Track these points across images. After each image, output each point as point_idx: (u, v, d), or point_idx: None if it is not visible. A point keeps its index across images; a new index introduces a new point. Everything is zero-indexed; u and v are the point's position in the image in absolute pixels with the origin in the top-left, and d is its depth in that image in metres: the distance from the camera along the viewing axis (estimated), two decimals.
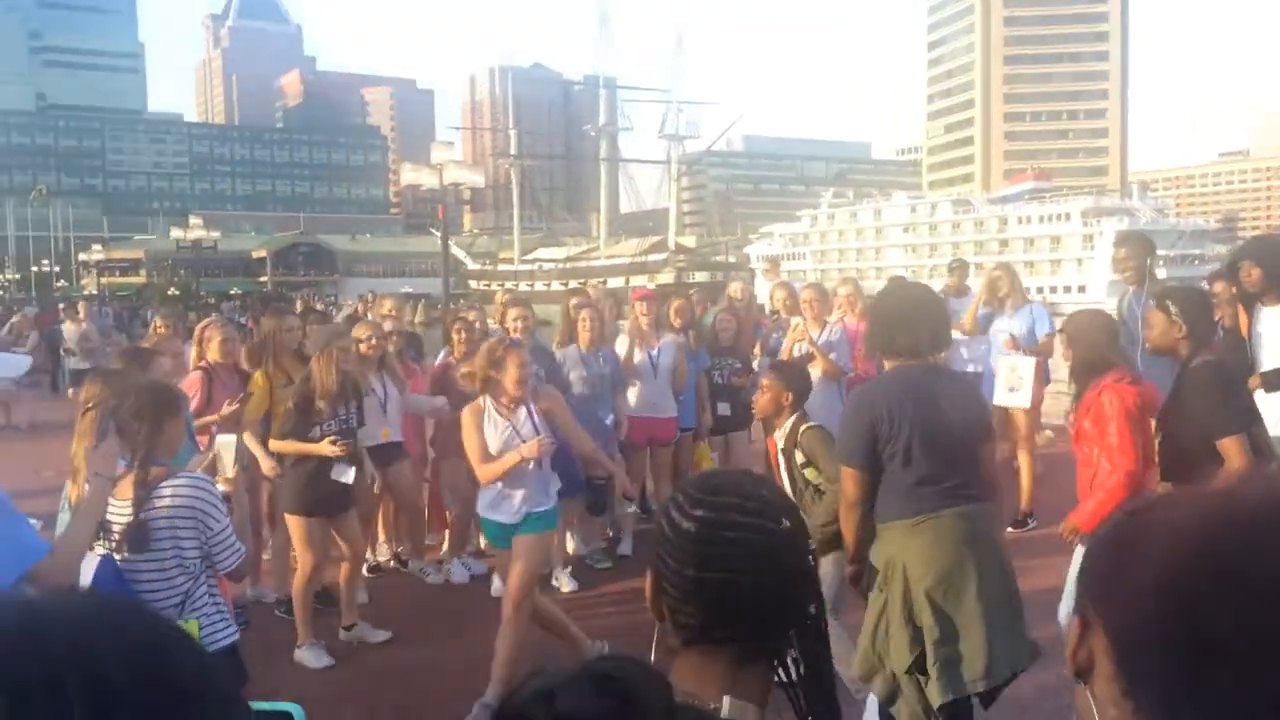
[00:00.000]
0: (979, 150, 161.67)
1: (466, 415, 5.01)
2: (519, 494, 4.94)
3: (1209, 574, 0.72)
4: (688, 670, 1.36)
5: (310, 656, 5.50)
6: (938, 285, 9.14)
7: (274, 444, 5.79)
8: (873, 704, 4.67)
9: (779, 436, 4.83)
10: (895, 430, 3.57)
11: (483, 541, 7.24)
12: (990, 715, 3.83)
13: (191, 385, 6.14)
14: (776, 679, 1.38)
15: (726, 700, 1.31)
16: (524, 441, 4.88)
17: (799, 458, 4.71)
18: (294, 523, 5.73)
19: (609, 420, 6.97)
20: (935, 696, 3.53)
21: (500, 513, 4.98)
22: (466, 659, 5.18)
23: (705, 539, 1.37)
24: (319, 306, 21.80)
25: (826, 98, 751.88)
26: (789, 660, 1.37)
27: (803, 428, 4.73)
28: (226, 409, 5.97)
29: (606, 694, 0.71)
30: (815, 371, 6.77)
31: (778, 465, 4.77)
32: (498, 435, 4.92)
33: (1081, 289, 79.67)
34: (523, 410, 4.99)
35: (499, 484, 4.93)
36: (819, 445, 4.62)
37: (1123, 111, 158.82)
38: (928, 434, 3.57)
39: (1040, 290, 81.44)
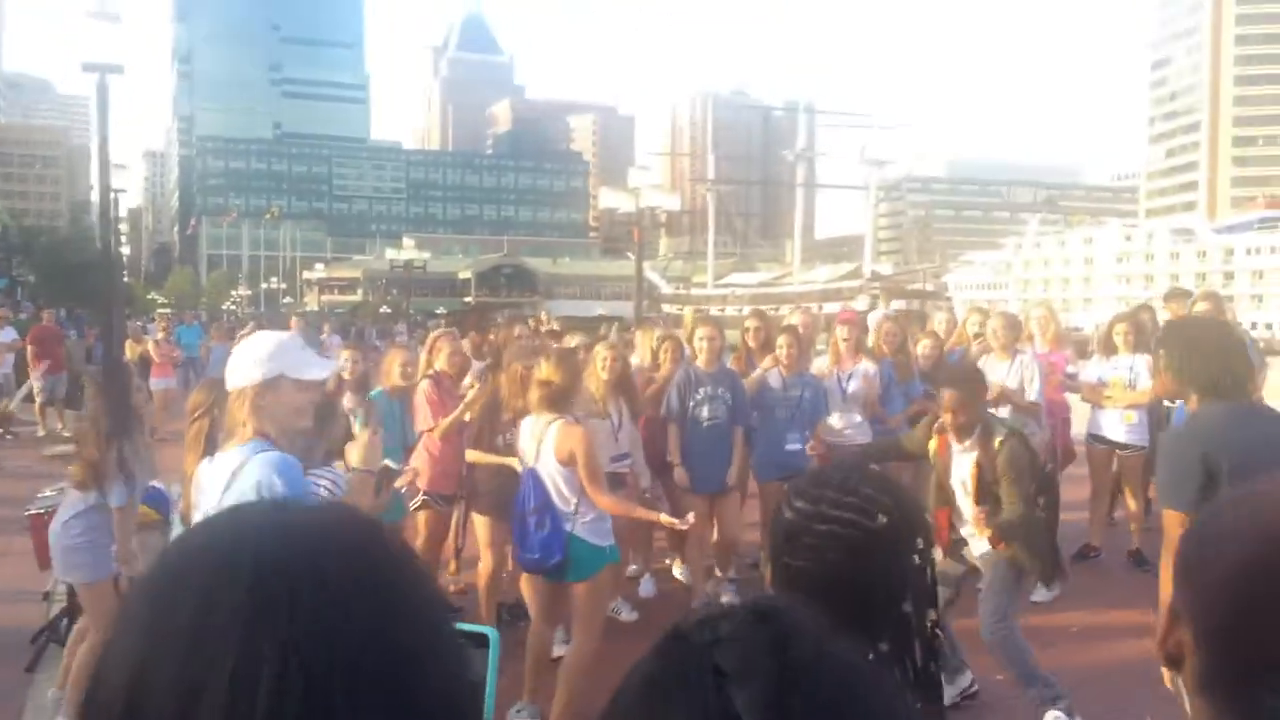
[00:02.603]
0: (1204, 176, 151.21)
1: (586, 434, 4.73)
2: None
3: (1266, 583, 0.72)
4: None
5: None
6: (1162, 315, 8.65)
7: (469, 453, 6.16)
8: None
9: (969, 444, 4.56)
10: (1234, 475, 3.16)
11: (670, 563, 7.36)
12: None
13: (429, 395, 6.49)
14: None
15: None
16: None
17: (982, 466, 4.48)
18: (480, 523, 6.05)
19: (795, 446, 6.75)
20: None
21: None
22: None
23: (798, 529, 1.39)
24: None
25: (1035, 121, 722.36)
26: (882, 655, 1.35)
27: (996, 440, 4.46)
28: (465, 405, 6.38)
29: (764, 623, 0.74)
30: (1004, 412, 6.41)
31: (979, 474, 4.50)
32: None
33: None
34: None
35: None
36: (1011, 467, 4.39)
37: None
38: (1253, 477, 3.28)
39: (1269, 327, 75.54)
